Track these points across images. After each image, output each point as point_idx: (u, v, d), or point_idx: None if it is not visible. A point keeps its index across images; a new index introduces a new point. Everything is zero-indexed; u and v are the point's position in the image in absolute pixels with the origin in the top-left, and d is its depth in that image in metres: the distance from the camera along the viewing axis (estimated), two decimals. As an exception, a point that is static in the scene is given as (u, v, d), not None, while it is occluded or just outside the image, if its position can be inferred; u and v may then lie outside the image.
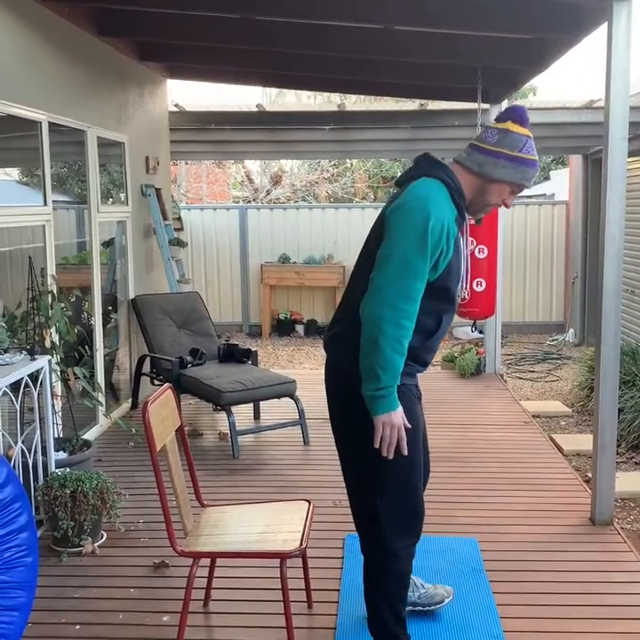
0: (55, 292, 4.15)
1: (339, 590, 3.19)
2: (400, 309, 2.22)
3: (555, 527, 3.85)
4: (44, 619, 3.01)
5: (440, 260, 2.31)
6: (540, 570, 3.39)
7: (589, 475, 4.27)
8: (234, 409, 5.14)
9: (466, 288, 2.57)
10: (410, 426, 2.32)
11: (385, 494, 2.43)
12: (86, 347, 4.63)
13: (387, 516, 2.45)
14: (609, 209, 3.68)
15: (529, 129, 2.42)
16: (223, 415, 5.31)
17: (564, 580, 3.30)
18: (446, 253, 2.31)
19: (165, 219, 6.80)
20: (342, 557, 3.49)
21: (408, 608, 2.88)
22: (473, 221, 6.38)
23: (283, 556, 2.59)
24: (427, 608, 2.96)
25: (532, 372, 8.75)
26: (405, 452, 2.31)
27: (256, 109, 8.16)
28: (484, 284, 6.31)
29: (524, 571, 3.38)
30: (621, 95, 3.66)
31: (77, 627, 2.97)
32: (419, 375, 2.57)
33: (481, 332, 7.71)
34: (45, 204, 4.63)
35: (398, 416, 2.28)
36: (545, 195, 13.00)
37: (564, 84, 25.98)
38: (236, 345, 6.06)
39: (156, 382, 5.99)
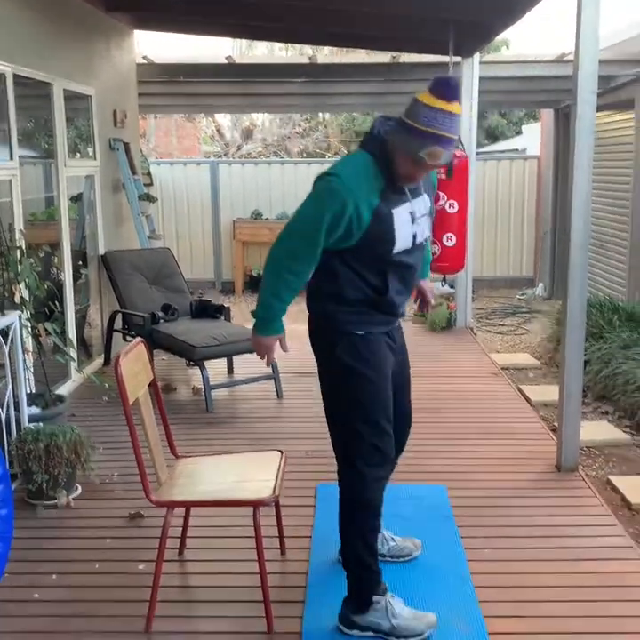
0: (24, 247, 4.11)
1: (311, 537, 3.27)
2: (285, 265, 2.49)
3: (522, 474, 3.96)
4: (21, 569, 3.05)
5: (353, 229, 2.43)
6: (507, 515, 3.50)
7: (556, 424, 4.38)
8: (207, 364, 5.17)
9: (423, 244, 2.68)
10: (286, 351, 2.63)
11: (350, 427, 2.60)
12: (57, 302, 4.62)
13: (354, 446, 2.59)
14: (577, 163, 3.71)
15: (449, 102, 2.34)
16: (197, 370, 5.33)
17: (530, 524, 3.41)
18: (359, 224, 2.42)
19: (134, 173, 6.71)
20: (314, 505, 3.57)
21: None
22: (443, 175, 6.36)
23: (256, 504, 2.65)
24: (395, 560, 3.07)
25: (502, 325, 8.87)
26: (267, 364, 2.72)
27: (225, 62, 8.03)
28: (454, 239, 6.36)
29: (492, 516, 3.49)
30: (590, 49, 3.67)
31: (54, 576, 3.02)
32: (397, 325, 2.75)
33: (452, 286, 7.78)
34: (11, 158, 4.56)
35: (263, 341, 2.61)
36: (517, 149, 13.01)
37: (537, 37, 25.82)
38: (209, 301, 6.06)
39: (129, 338, 5.98)
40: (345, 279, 2.54)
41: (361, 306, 2.57)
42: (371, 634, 2.60)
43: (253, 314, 2.61)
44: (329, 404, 2.68)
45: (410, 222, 2.54)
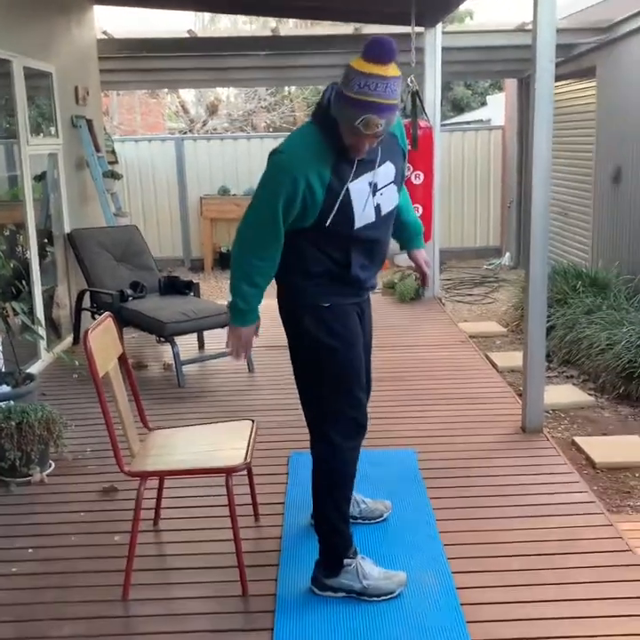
0: (-12, 226, 4.09)
1: (283, 503, 3.33)
2: (251, 253, 2.49)
3: (488, 437, 4.05)
4: (-3, 544, 3.09)
5: (308, 207, 2.39)
6: (473, 475, 3.59)
7: (522, 388, 4.48)
8: (178, 340, 5.19)
9: (392, 215, 2.61)
10: (257, 336, 2.67)
11: (322, 399, 2.62)
12: (23, 282, 4.60)
13: (328, 418, 2.62)
14: (537, 130, 3.77)
15: (382, 65, 2.21)
16: (167, 347, 5.35)
17: (496, 483, 3.51)
18: (313, 200, 2.38)
19: (98, 151, 6.66)
20: (287, 474, 3.63)
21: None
22: (409, 147, 6.41)
23: (228, 471, 2.69)
24: (367, 522, 3.14)
25: (470, 295, 8.98)
26: (238, 358, 2.69)
27: (187, 36, 7.95)
28: (420, 210, 6.41)
29: (459, 477, 3.58)
30: (548, 17, 3.70)
31: (30, 550, 3.05)
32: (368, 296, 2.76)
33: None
34: (-28, 136, 4.52)
35: (242, 331, 2.62)
36: (482, 120, 13.08)
37: (502, 7, 25.80)
38: (177, 277, 6.07)
39: (97, 317, 5.97)
40: (309, 256, 2.52)
41: (326, 279, 2.55)
42: (343, 594, 2.67)
43: (229, 306, 2.61)
44: (300, 378, 2.68)
45: (370, 194, 2.46)
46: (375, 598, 2.64)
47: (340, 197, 2.41)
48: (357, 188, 2.43)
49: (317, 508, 2.72)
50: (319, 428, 2.65)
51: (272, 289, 2.58)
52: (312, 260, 2.53)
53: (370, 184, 2.46)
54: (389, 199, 2.56)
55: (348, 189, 2.41)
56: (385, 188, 2.53)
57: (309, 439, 2.71)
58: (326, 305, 2.57)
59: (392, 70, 2.24)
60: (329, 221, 2.43)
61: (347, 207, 2.43)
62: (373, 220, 2.50)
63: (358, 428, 2.66)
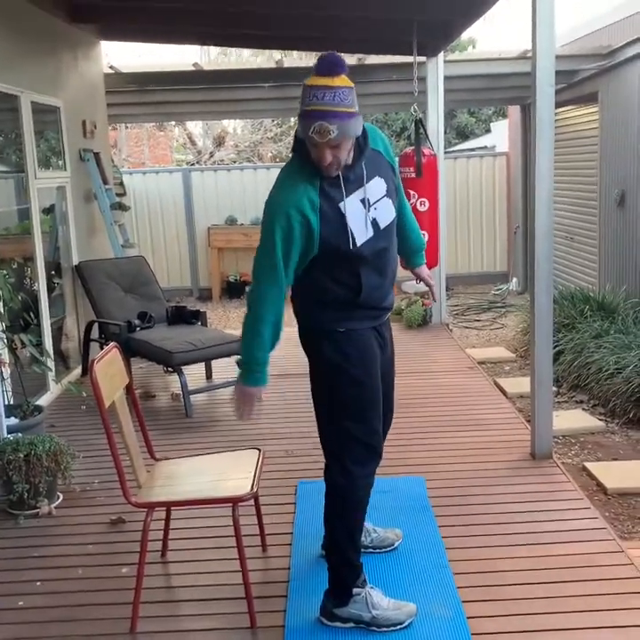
0: (-4, 259, 4.13)
1: (292, 533, 3.31)
2: (260, 308, 2.52)
3: (498, 463, 4.02)
4: (5, 578, 3.08)
5: (308, 236, 2.44)
6: (483, 503, 3.57)
7: (530, 414, 4.45)
8: (185, 369, 5.20)
9: (392, 227, 2.63)
10: (259, 400, 2.63)
11: (341, 426, 2.61)
12: (32, 314, 4.63)
13: (344, 445, 2.61)
14: (538, 154, 3.79)
15: (327, 77, 2.34)
16: (175, 377, 5.36)
17: (505, 511, 3.48)
18: (309, 229, 2.43)
19: (106, 183, 6.73)
20: (294, 503, 3.61)
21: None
22: (413, 174, 6.40)
23: (234, 501, 2.69)
24: (377, 551, 3.12)
25: (478, 320, 8.97)
26: (242, 418, 2.68)
27: (193, 68, 8.06)
28: (426, 237, 6.39)
29: (469, 504, 3.55)
30: (547, 43, 3.74)
31: (38, 583, 3.04)
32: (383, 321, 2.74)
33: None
34: (-19, 171, 4.57)
35: (247, 391, 2.60)
36: (486, 147, 13.16)
37: (503, 36, 26.09)
38: (185, 307, 6.09)
39: (106, 347, 5.99)
40: (322, 287, 2.55)
41: (341, 305, 2.57)
42: (352, 625, 2.64)
43: (238, 363, 2.60)
44: (318, 403, 2.68)
45: (363, 211, 2.50)
46: (384, 628, 2.61)
47: (335, 218, 2.46)
48: (350, 206, 2.49)
49: (329, 535, 2.70)
50: (333, 454, 2.65)
51: (287, 318, 2.57)
52: (326, 291, 2.56)
53: (362, 201, 2.52)
54: (385, 212, 2.59)
55: (339, 209, 2.47)
56: (378, 203, 2.57)
57: (324, 465, 2.69)
58: (342, 330, 2.58)
59: (340, 81, 2.35)
60: (331, 246, 2.46)
61: (343, 226, 2.47)
62: (373, 234, 2.54)
63: (373, 455, 2.65)
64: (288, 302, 2.58)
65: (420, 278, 3.05)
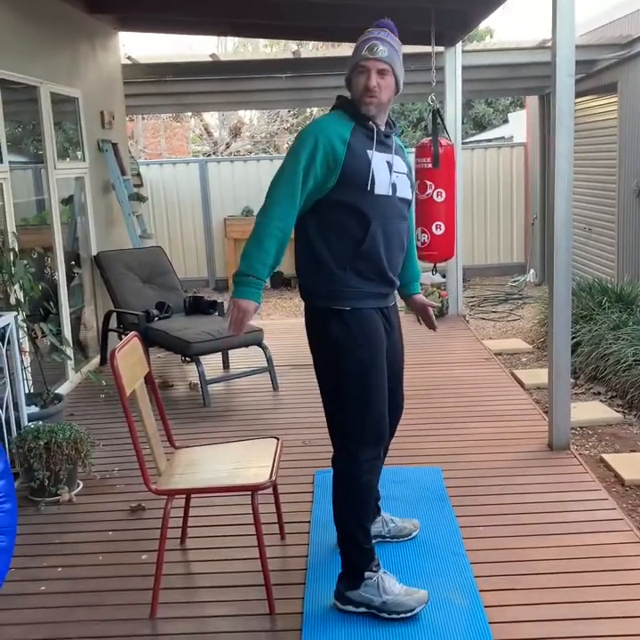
0: (17, 249, 4.16)
1: (309, 522, 3.33)
2: (262, 226, 2.55)
3: (515, 454, 4.03)
4: (27, 563, 3.12)
5: (330, 164, 2.52)
6: (499, 493, 3.57)
7: (548, 406, 4.44)
8: (203, 359, 5.23)
9: (408, 203, 2.72)
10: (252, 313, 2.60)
11: (346, 408, 2.63)
12: (51, 303, 4.67)
13: (349, 427, 2.63)
14: (558, 145, 3.78)
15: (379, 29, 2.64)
16: (193, 366, 5.39)
17: (522, 501, 3.48)
18: (334, 157, 2.52)
19: (124, 174, 6.77)
20: (312, 492, 3.63)
21: (377, 540, 3.04)
22: (430, 165, 6.38)
23: (254, 489, 2.71)
24: (395, 541, 3.14)
25: (495, 312, 8.94)
26: (236, 331, 2.62)
27: (210, 59, 8.07)
28: (443, 228, 6.41)
29: (486, 494, 3.56)
30: (567, 32, 3.72)
31: (59, 569, 3.08)
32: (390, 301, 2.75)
33: (443, 275, 7.85)
34: (1, 162, 4.61)
35: (243, 305, 2.56)
36: (503, 137, 13.09)
37: (520, 25, 25.87)
38: (202, 297, 6.11)
39: (124, 337, 6.03)
40: (324, 237, 2.58)
41: (349, 273, 2.58)
42: (364, 609, 2.66)
43: (235, 278, 2.58)
44: (322, 385, 2.70)
45: (387, 170, 2.60)
46: (394, 614, 2.62)
47: (361, 157, 2.54)
48: (376, 156, 2.58)
49: (338, 520, 2.72)
50: (339, 436, 2.68)
51: (296, 308, 2.58)
52: (332, 246, 2.58)
53: (387, 163, 2.62)
54: (404, 186, 2.68)
55: (366, 153, 2.56)
56: (400, 175, 2.67)
57: (332, 451, 2.72)
58: (347, 309, 2.59)
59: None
60: (350, 180, 2.53)
61: (367, 166, 2.55)
62: (390, 193, 2.61)
63: (377, 439, 2.67)
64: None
65: (421, 305, 3.06)
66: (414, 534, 3.18)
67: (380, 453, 2.72)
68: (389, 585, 2.66)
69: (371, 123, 2.60)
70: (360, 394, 2.61)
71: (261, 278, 2.56)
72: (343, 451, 2.67)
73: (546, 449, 4.07)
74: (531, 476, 3.76)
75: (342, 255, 2.59)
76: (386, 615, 2.62)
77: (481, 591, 2.76)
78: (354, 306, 2.60)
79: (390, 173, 2.61)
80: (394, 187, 2.62)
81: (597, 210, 8.79)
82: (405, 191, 2.69)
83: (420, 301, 3.07)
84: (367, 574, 2.66)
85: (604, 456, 4.49)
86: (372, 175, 2.54)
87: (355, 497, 2.67)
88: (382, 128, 2.66)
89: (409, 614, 2.62)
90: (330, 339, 2.62)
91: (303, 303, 2.75)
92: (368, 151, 2.57)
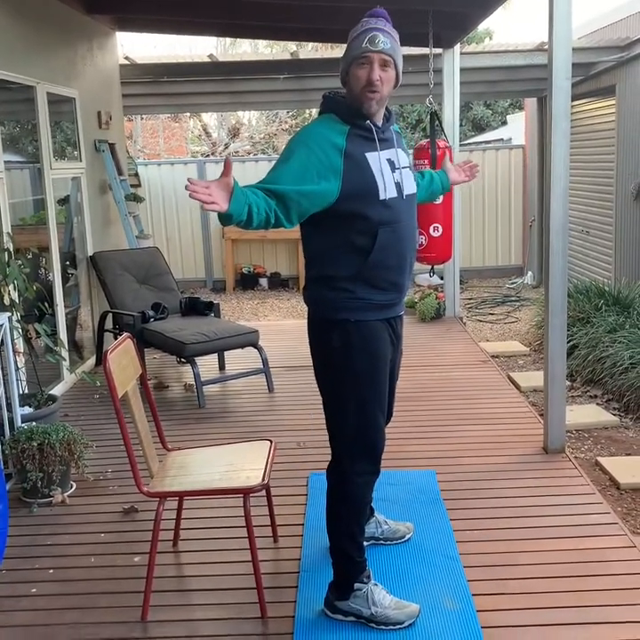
0: (11, 249, 4.15)
1: (303, 525, 3.32)
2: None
3: (510, 457, 4.02)
4: (18, 565, 3.10)
5: (327, 175, 2.35)
6: (494, 497, 3.56)
7: (543, 408, 4.43)
8: (198, 360, 5.22)
9: (414, 200, 2.62)
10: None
11: (343, 421, 2.57)
12: (46, 304, 4.66)
13: (347, 443, 2.58)
14: (554, 148, 3.77)
15: (375, 18, 2.49)
16: (188, 367, 5.38)
17: (517, 504, 3.47)
18: (331, 167, 2.36)
19: (121, 174, 6.75)
20: (306, 494, 3.62)
21: (371, 542, 3.03)
22: (427, 166, 6.38)
23: (246, 492, 2.70)
24: (388, 543, 3.12)
25: (492, 314, 8.94)
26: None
27: (208, 60, 8.06)
28: (440, 229, 6.40)
29: (480, 498, 3.54)
30: (564, 35, 3.72)
31: (51, 571, 3.06)
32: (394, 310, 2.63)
33: (441, 277, 7.84)
34: (-3, 161, 4.60)
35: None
36: (502, 139, 13.09)
37: (520, 28, 25.89)
38: (198, 298, 6.10)
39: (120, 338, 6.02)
40: (332, 254, 2.46)
41: (358, 284, 2.47)
42: (353, 619, 2.64)
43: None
44: (324, 396, 2.63)
45: (390, 170, 2.48)
46: (383, 627, 2.60)
47: (361, 164, 2.42)
48: (376, 159, 2.46)
49: (330, 530, 2.68)
50: (337, 449, 2.63)
51: (294, 310, 2.56)
52: (338, 258, 2.46)
53: (388, 161, 2.49)
54: (409, 181, 2.57)
55: (366, 157, 2.44)
56: (404, 170, 2.55)
57: (329, 461, 2.68)
58: (352, 320, 2.49)
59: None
60: (357, 189, 2.39)
61: (371, 175, 2.42)
62: (396, 195, 2.48)
63: (375, 456, 2.62)
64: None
65: (461, 169, 3.24)
66: (408, 537, 3.16)
67: (376, 468, 2.65)
68: (379, 597, 2.63)
69: (368, 122, 2.47)
70: (358, 407, 2.54)
71: (241, 195, 2.20)
72: (339, 463, 2.62)
73: (541, 452, 4.05)
74: (526, 479, 3.75)
75: (351, 268, 2.47)
76: (375, 626, 2.61)
77: (474, 595, 2.75)
78: (358, 318, 2.50)
79: (393, 172, 2.49)
80: (398, 186, 2.49)
81: (595, 212, 8.78)
82: (410, 185, 2.57)
83: (457, 170, 3.19)
84: (357, 586, 2.63)
85: (600, 459, 4.49)
86: (376, 182, 2.42)
87: (349, 513, 2.63)
88: (380, 123, 2.51)
89: (398, 627, 2.59)
90: (331, 350, 2.54)
91: (306, 310, 2.66)
92: (367, 154, 2.43)
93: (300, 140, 2.44)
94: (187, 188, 2.08)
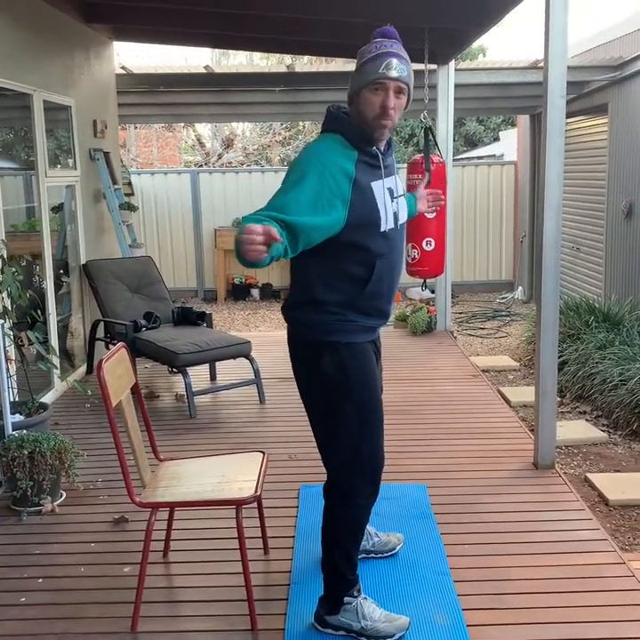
0: (5, 256, 4.14)
1: (294, 537, 3.32)
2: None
3: (500, 471, 4.03)
4: (7, 574, 3.09)
5: (336, 203, 2.28)
6: (484, 511, 3.57)
7: (534, 424, 4.45)
8: (190, 371, 5.22)
9: (404, 229, 2.60)
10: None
11: (342, 447, 2.52)
12: (39, 311, 4.65)
13: (345, 462, 2.53)
14: (548, 164, 3.80)
15: (389, 40, 2.42)
16: (180, 378, 5.37)
17: (507, 520, 3.48)
18: (340, 194, 2.29)
19: (115, 183, 6.76)
20: (297, 506, 3.61)
21: (362, 555, 3.03)
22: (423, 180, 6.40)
23: (238, 504, 2.70)
24: (379, 555, 3.12)
25: (482, 328, 8.97)
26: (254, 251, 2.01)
27: (204, 71, 8.09)
28: (433, 244, 6.42)
29: (470, 512, 3.55)
30: (559, 54, 3.75)
31: (40, 580, 3.05)
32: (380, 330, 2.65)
33: (432, 291, 7.87)
34: (-8, 168, 4.60)
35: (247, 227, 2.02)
36: (494, 155, 13.17)
37: (514, 44, 26.11)
38: (191, 308, 6.10)
39: (111, 347, 6.01)
40: (326, 281, 2.41)
41: (345, 310, 2.44)
42: (343, 633, 2.64)
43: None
44: (316, 420, 2.57)
45: (390, 199, 2.45)
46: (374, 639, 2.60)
47: (367, 195, 2.37)
48: (379, 189, 2.42)
49: (326, 554, 2.65)
50: (334, 473, 2.58)
51: (278, 320, 2.54)
52: (330, 286, 2.42)
53: (389, 190, 2.46)
54: (403, 210, 2.56)
55: (371, 188, 2.39)
56: (400, 198, 2.54)
57: (325, 484, 2.64)
58: (343, 342, 2.46)
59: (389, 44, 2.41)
60: (358, 222, 2.34)
61: (373, 205, 2.39)
62: (393, 226, 2.46)
63: (373, 477, 2.58)
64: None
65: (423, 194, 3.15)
66: (398, 548, 3.16)
67: (376, 489, 2.61)
68: (369, 611, 2.62)
69: (374, 148, 2.42)
70: (357, 428, 2.49)
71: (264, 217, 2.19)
72: (337, 488, 2.57)
73: (531, 468, 4.07)
74: (515, 494, 3.76)
75: (344, 296, 2.44)
76: (365, 639, 2.61)
77: (464, 610, 2.75)
78: (349, 340, 2.46)
79: (392, 201, 2.46)
80: (395, 216, 2.48)
81: (586, 229, 8.85)
82: (403, 215, 2.56)
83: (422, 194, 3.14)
84: (346, 599, 2.63)
85: (589, 475, 4.51)
86: (379, 213, 2.39)
87: (347, 539, 2.62)
88: (382, 148, 2.47)
89: None
90: (322, 374, 2.47)
91: (287, 331, 2.57)
92: (373, 184, 2.38)
93: (311, 161, 2.34)
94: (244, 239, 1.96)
